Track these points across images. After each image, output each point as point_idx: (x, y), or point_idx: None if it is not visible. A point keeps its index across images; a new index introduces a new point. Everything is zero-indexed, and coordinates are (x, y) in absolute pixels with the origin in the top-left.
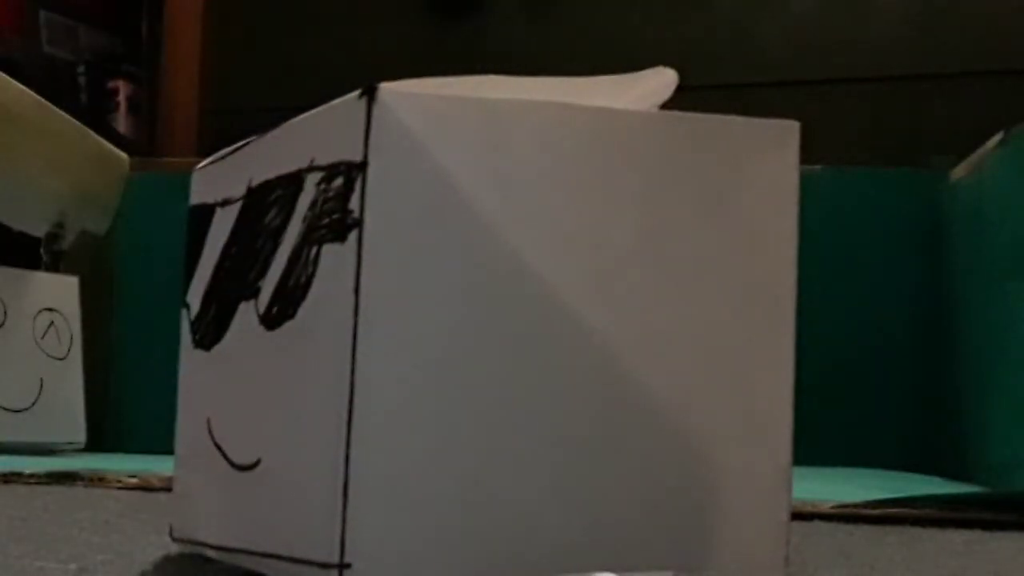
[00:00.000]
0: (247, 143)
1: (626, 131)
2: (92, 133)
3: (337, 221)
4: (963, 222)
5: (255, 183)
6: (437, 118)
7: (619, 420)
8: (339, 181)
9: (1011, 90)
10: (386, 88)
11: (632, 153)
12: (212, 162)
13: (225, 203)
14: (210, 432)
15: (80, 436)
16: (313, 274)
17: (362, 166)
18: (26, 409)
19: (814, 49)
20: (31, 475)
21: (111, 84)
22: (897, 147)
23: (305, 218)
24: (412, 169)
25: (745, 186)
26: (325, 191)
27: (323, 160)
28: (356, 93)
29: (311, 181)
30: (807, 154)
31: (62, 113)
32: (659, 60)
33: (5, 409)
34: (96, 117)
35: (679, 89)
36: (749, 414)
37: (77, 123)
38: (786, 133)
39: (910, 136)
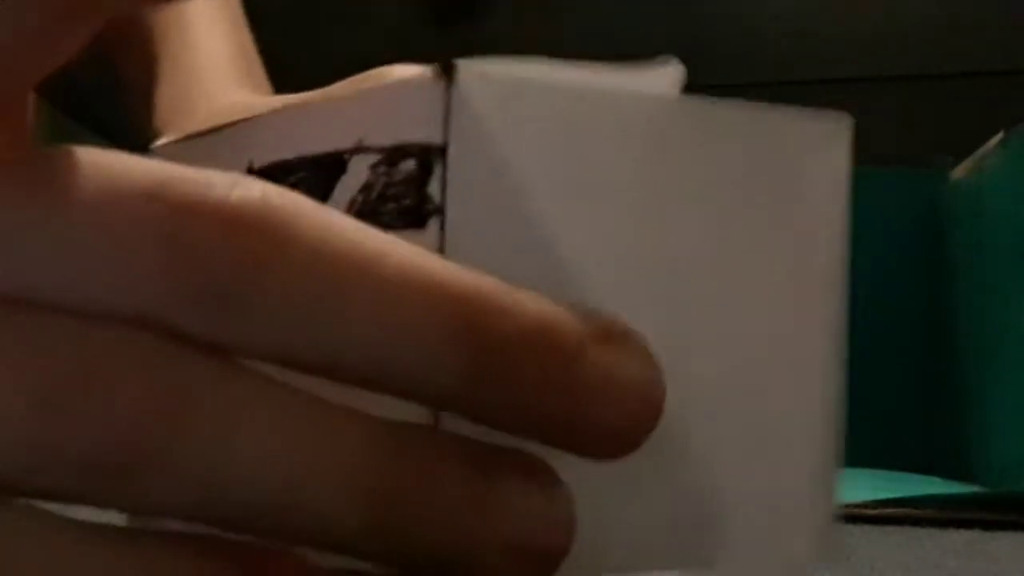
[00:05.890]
0: (231, 124)
1: (696, 121)
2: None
3: (412, 207)
4: (963, 222)
5: (258, 164)
6: (513, 101)
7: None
8: (410, 164)
9: (1011, 90)
10: (465, 67)
11: (699, 145)
12: (176, 141)
13: None
14: None
15: None
16: None
17: (442, 150)
18: None
19: (814, 49)
20: None
21: None
22: (897, 147)
23: (353, 202)
24: (488, 154)
25: (799, 185)
26: (387, 174)
27: (379, 141)
28: (428, 71)
29: (360, 163)
30: None
31: (61, 113)
32: None
33: None
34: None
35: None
36: (778, 414)
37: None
38: (840, 129)
39: (910, 136)
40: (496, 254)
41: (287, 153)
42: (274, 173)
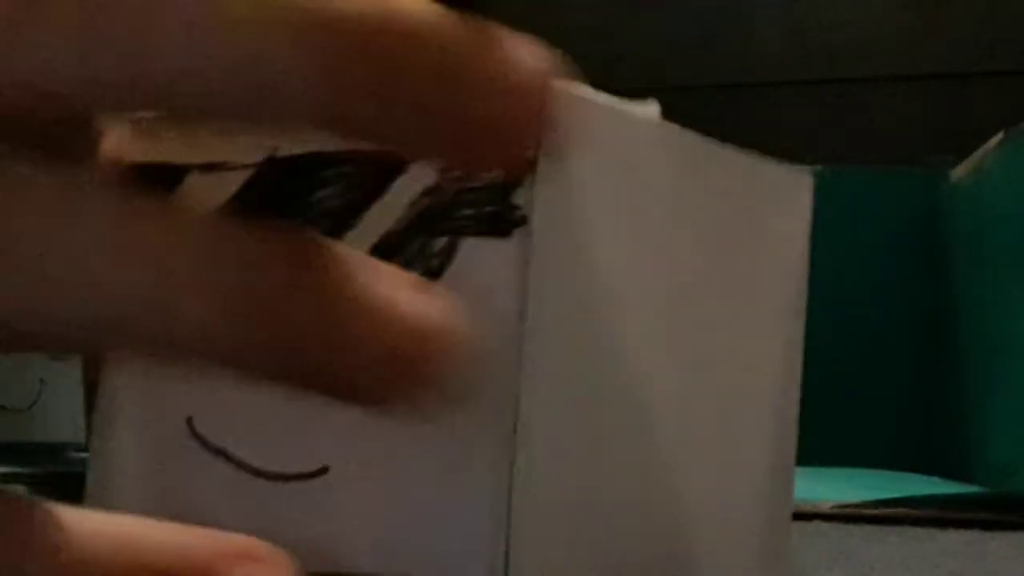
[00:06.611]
0: None
1: (713, 162)
2: None
3: (495, 215)
4: (963, 222)
5: (282, 153)
6: (587, 120)
7: (686, 438)
8: (495, 172)
9: (1011, 90)
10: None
11: (711, 185)
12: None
13: (211, 168)
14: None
15: (80, 436)
16: (444, 265)
17: (530, 162)
18: (26, 409)
19: (814, 49)
20: (31, 475)
21: None
22: (897, 147)
23: (416, 203)
24: (568, 169)
25: (768, 221)
26: (461, 179)
27: None
28: None
29: (426, 165)
30: (807, 154)
31: None
32: (660, 60)
33: (5, 409)
34: None
35: (679, 89)
36: (758, 422)
37: None
38: (801, 183)
39: (910, 136)
40: (574, 265)
41: (319, 144)
42: (302, 163)
